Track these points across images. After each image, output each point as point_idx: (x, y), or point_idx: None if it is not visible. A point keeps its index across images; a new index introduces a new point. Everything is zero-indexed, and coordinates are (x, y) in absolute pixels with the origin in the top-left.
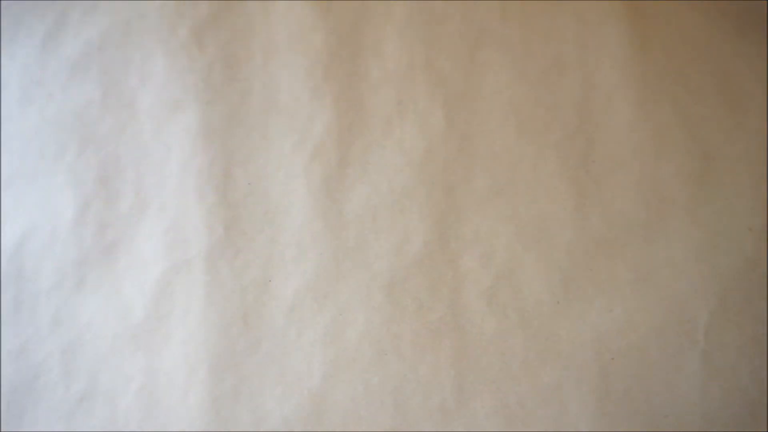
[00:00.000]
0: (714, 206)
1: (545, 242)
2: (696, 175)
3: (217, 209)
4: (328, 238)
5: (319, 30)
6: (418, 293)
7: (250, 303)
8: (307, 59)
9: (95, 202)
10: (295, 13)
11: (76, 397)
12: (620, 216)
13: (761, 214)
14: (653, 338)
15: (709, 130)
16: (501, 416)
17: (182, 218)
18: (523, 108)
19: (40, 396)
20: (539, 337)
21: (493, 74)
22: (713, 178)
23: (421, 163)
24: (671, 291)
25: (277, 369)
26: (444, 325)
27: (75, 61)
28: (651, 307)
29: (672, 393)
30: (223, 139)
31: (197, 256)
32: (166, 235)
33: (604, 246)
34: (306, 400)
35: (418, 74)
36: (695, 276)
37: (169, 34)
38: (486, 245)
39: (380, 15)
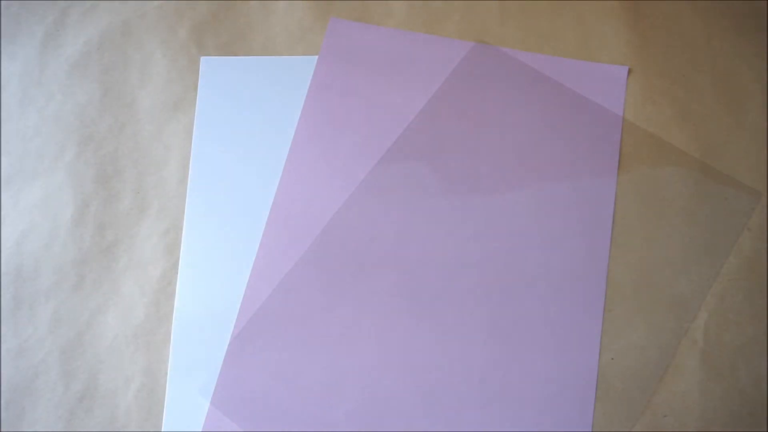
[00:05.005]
0: (714, 206)
1: None
2: (696, 175)
3: None
4: None
5: (319, 30)
6: None
7: None
8: None
9: (94, 202)
10: (295, 13)
11: (75, 397)
12: (620, 216)
13: (761, 214)
14: (653, 338)
15: (709, 130)
16: None
17: (182, 218)
18: None
19: (39, 395)
20: None
21: None
22: (713, 178)
23: None
24: (671, 291)
25: None
26: None
27: (75, 61)
28: (651, 307)
29: (672, 393)
30: None
31: None
32: (166, 235)
33: None
34: None
35: None
36: (695, 276)
37: (169, 34)
38: None
39: (380, 15)
